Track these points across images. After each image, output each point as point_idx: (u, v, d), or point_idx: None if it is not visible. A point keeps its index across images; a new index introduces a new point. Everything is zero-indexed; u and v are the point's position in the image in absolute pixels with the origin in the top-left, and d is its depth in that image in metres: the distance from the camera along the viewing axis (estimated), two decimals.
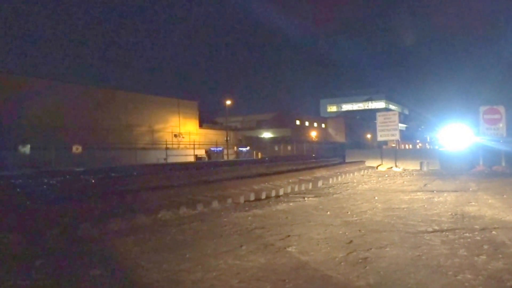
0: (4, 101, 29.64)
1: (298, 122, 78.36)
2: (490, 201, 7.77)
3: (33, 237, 4.78)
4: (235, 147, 50.97)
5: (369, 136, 75.12)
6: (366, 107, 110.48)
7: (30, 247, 4.52)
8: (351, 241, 4.65)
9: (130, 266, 3.87)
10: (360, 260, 3.89)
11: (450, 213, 6.41)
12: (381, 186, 11.29)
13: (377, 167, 18.82)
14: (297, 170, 15.28)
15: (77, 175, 15.86)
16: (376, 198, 8.54)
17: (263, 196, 8.80)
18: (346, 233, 5.08)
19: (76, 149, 30.26)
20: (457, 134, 21.08)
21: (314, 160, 25.55)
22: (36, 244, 4.62)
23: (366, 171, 16.85)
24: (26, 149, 28.50)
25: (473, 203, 7.45)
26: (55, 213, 5.93)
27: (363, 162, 19.84)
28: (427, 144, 62.56)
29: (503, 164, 16.91)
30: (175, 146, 43.62)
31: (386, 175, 15.27)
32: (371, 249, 4.29)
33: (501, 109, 17.53)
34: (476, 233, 4.96)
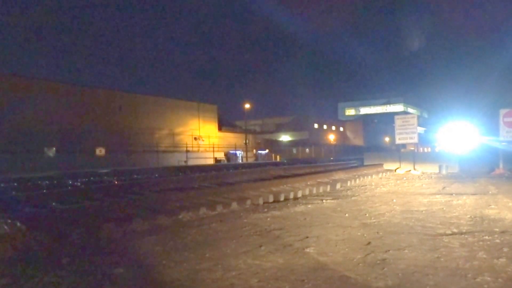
0: (28, 105, 30.36)
1: (316, 125, 78.10)
2: (510, 204, 7.67)
3: (59, 236, 4.94)
4: (254, 150, 51.10)
5: (387, 139, 74.40)
6: (384, 111, 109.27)
7: (57, 246, 4.66)
8: (369, 243, 4.66)
9: (152, 265, 3.97)
10: (378, 262, 3.91)
11: (469, 216, 6.36)
12: (399, 188, 11.22)
13: (395, 170, 18.67)
14: (315, 172, 15.28)
15: (101, 177, 16.17)
16: (394, 200, 8.51)
17: (282, 198, 8.86)
18: (364, 235, 5.10)
19: (100, 151, 30.83)
20: (461, 134, 20.71)
21: (332, 163, 25.48)
22: (62, 243, 4.76)
23: (384, 174, 16.74)
24: (52, 152, 29.17)
25: (493, 206, 7.37)
26: (80, 213, 6.11)
27: (381, 165, 19.70)
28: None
29: None
30: (195, 149, 44.04)
31: (405, 178, 15.15)
32: (389, 250, 4.30)
33: None
34: (496, 236, 4.92)
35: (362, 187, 11.57)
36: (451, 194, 9.45)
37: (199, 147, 45.55)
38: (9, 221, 5.14)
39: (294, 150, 60.30)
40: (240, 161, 43.14)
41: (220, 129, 52.81)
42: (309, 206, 7.75)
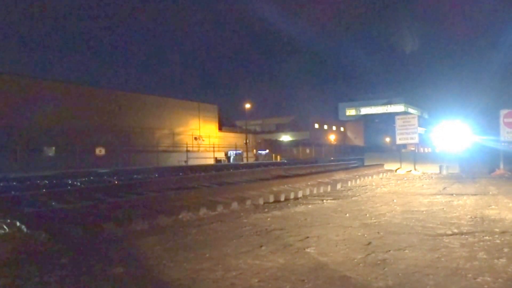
0: (29, 104, 30.38)
1: (317, 126, 78.19)
2: (510, 204, 7.65)
3: (59, 235, 4.94)
4: (254, 150, 51.14)
5: (388, 139, 74.45)
6: (385, 111, 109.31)
7: (56, 245, 4.66)
8: (369, 243, 4.66)
9: (152, 264, 3.96)
10: (378, 262, 3.90)
11: (469, 216, 6.35)
12: (400, 189, 11.21)
13: (396, 170, 18.67)
14: (315, 172, 15.28)
15: (101, 177, 16.16)
16: (395, 200, 8.50)
17: (282, 198, 8.85)
18: (365, 235, 5.09)
19: (99, 151, 30.85)
20: (454, 133, 20.75)
21: (332, 163, 25.47)
22: (62, 242, 4.76)
23: (385, 174, 16.73)
24: (51, 151, 29.18)
25: (493, 207, 7.36)
26: (80, 213, 6.11)
27: (382, 165, 19.69)
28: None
29: None
30: (195, 149, 44.11)
31: (405, 178, 15.14)
32: (389, 251, 4.30)
33: None
34: (496, 236, 4.92)
35: (363, 187, 11.56)
36: (452, 194, 9.45)
37: (199, 147, 45.60)
38: (9, 221, 5.14)
39: (295, 150, 60.35)
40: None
41: (220, 129, 52.92)
42: (310, 206, 7.74)
